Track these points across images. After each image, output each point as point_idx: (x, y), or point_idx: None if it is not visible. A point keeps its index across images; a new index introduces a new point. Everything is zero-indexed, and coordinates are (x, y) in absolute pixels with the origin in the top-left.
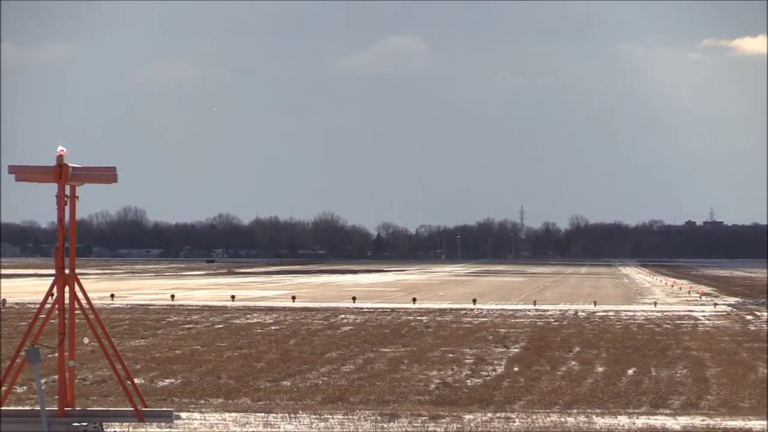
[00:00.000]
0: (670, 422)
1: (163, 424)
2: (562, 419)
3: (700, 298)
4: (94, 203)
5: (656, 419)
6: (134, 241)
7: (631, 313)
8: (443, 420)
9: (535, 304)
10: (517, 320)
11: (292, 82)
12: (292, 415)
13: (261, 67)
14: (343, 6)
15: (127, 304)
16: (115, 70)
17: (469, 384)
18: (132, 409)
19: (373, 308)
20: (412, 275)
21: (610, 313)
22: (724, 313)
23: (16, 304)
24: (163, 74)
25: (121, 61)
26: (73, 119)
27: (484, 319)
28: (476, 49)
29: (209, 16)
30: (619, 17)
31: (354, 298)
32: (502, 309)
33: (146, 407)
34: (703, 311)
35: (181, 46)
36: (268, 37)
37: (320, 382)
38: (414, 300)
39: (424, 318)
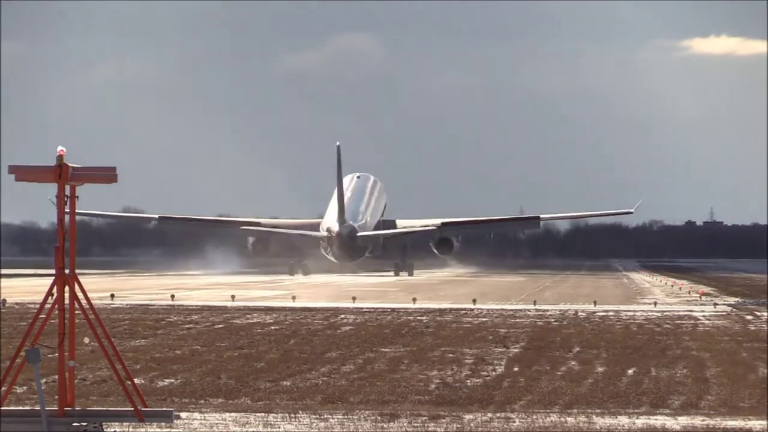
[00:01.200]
0: (670, 422)
1: (163, 424)
2: (562, 419)
3: (700, 298)
4: (94, 203)
5: (656, 419)
6: (134, 241)
7: (631, 313)
8: (443, 420)
9: (535, 304)
10: (517, 320)
11: (290, 81)
12: (292, 415)
13: (257, 66)
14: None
15: (127, 304)
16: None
17: (469, 384)
18: (132, 409)
19: (373, 308)
20: (413, 275)
21: (610, 313)
22: (724, 313)
23: (16, 304)
24: (162, 71)
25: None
26: (70, 119)
27: (484, 319)
28: (435, 48)
29: (191, 15)
30: (573, 17)
31: (354, 298)
32: (502, 309)
33: (146, 407)
34: (703, 311)
35: (175, 43)
36: (263, 35)
37: (320, 382)
38: (414, 300)
39: (424, 318)
